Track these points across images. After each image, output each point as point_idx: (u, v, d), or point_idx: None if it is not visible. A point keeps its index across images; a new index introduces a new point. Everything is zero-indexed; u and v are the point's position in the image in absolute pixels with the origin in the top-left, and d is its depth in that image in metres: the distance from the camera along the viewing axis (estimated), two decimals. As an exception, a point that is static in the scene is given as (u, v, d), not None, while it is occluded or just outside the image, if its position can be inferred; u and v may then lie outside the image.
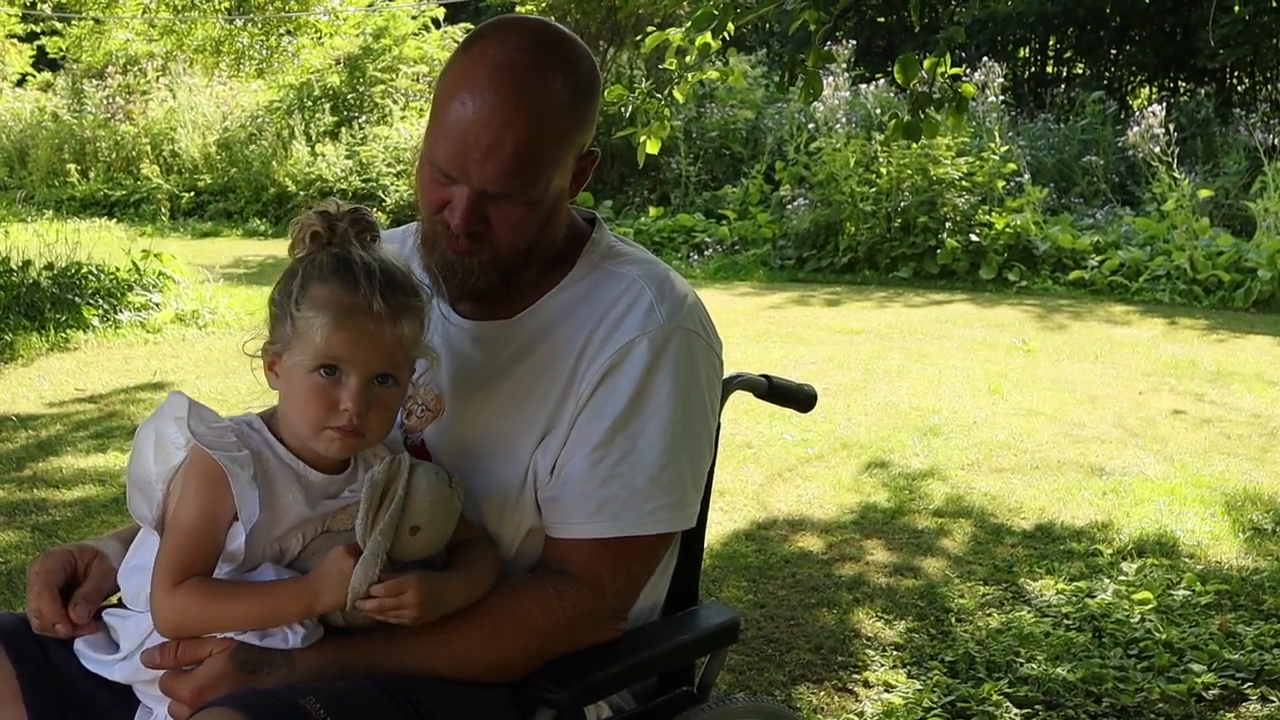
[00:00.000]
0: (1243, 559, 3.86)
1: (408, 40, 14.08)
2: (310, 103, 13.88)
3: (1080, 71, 15.33)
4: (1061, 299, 8.73)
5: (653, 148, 4.53)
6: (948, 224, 9.55)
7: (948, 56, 4.24)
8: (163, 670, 1.46)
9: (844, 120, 10.35)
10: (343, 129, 13.35)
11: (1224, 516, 4.23)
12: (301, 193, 12.45)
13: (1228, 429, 5.35)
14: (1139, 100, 14.43)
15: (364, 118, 13.53)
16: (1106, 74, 15.11)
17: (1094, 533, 4.09)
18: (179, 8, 11.78)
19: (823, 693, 3.00)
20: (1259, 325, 7.78)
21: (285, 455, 1.46)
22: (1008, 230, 9.43)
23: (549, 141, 1.52)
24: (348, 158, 12.87)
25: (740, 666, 3.10)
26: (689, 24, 4.29)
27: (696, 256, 10.39)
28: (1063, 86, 14.50)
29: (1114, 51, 15.10)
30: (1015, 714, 2.88)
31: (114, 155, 14.27)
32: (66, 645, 1.55)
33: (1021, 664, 3.13)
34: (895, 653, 3.20)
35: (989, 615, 3.45)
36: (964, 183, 9.60)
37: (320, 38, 13.68)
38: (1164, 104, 10.53)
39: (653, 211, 11.42)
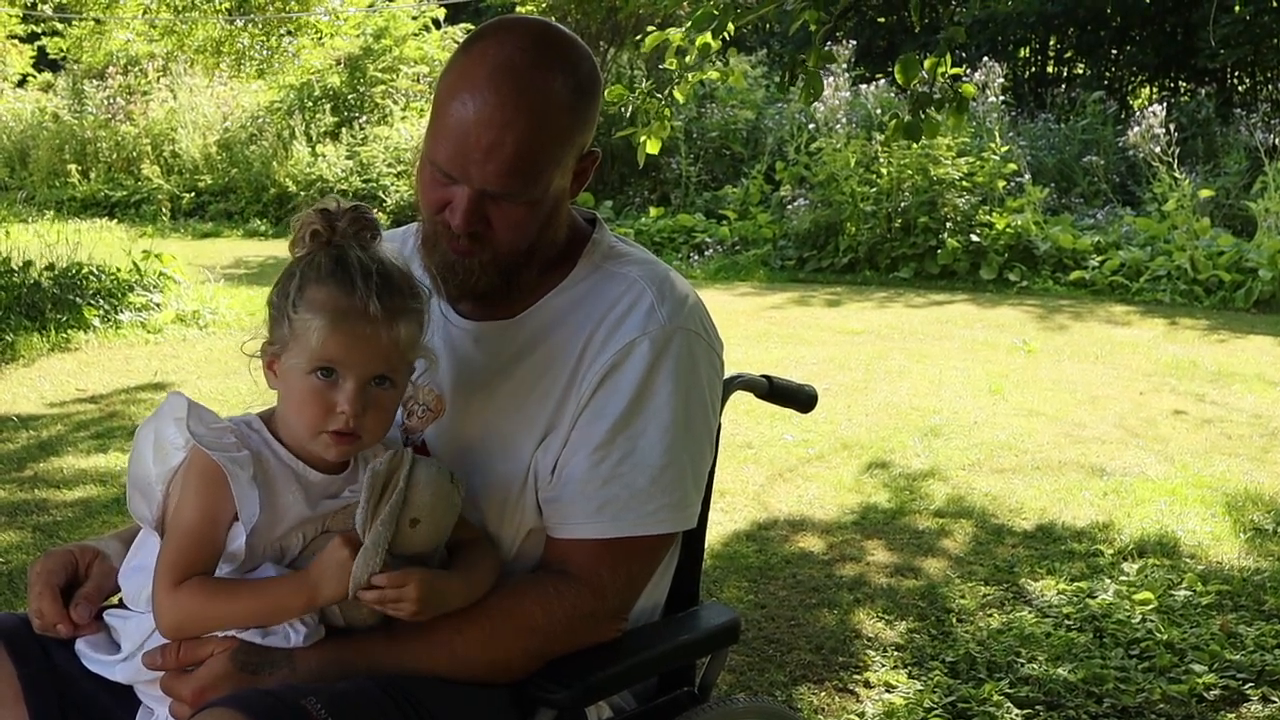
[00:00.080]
0: (1244, 559, 3.86)
1: (408, 41, 14.08)
2: (311, 103, 13.88)
3: (1081, 71, 15.33)
4: (1062, 299, 8.73)
5: (653, 148, 4.53)
6: (948, 224, 9.55)
7: (948, 56, 4.23)
8: (164, 671, 1.46)
9: (844, 120, 10.35)
10: (343, 129, 13.36)
11: (1225, 517, 4.23)
12: (302, 193, 12.45)
13: (1229, 429, 5.35)
14: (1139, 100, 14.43)
15: (364, 118, 13.54)
16: (1107, 74, 15.11)
17: (1095, 533, 4.09)
18: (179, 8, 11.78)
19: (823, 693, 3.00)
20: (1260, 325, 7.77)
21: (285, 455, 1.46)
22: (1008, 230, 9.43)
23: (549, 141, 1.52)
24: (348, 158, 12.87)
25: (741, 667, 3.10)
26: (689, 24, 4.29)
27: (697, 257, 10.39)
28: (1063, 86, 14.50)
29: (1114, 51, 15.10)
30: (1016, 714, 2.88)
31: (115, 156, 14.27)
32: (68, 646, 1.55)
33: (1022, 664, 3.12)
34: (896, 653, 3.20)
35: (990, 616, 3.45)
36: (964, 183, 9.60)
37: (321, 38, 13.68)
38: (1165, 104, 10.52)
39: (653, 212, 11.42)
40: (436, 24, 14.53)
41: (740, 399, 1.95)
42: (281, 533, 1.46)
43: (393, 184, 12.35)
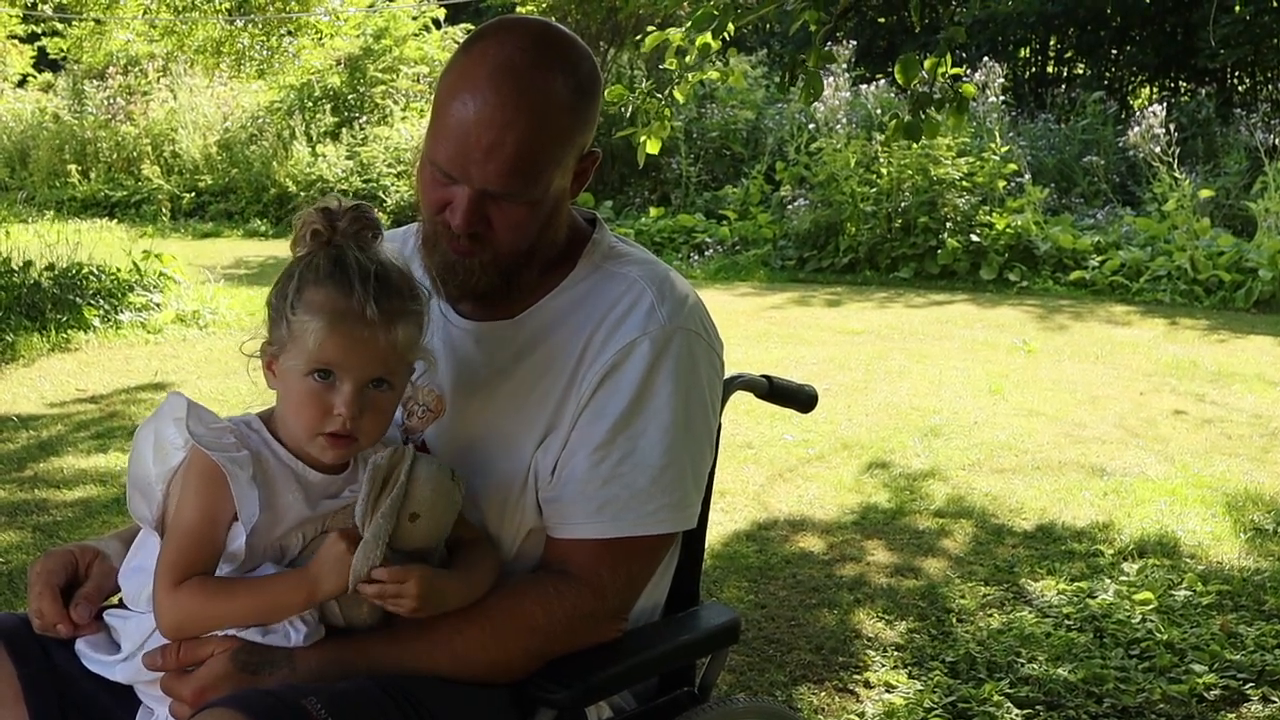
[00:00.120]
0: (1244, 559, 3.86)
1: (408, 41, 14.08)
2: (311, 103, 13.88)
3: (1081, 72, 15.33)
4: (1062, 299, 8.73)
5: (653, 148, 4.53)
6: (948, 224, 9.55)
7: (948, 57, 4.23)
8: (164, 671, 1.46)
9: (844, 120, 10.35)
10: (343, 129, 13.35)
11: (1225, 517, 4.23)
12: (302, 193, 12.45)
13: (1229, 429, 5.35)
14: (1140, 100, 14.43)
15: (365, 118, 13.53)
16: (1107, 74, 15.11)
17: (1095, 533, 4.09)
18: (180, 8, 11.78)
19: (824, 693, 3.00)
20: (1260, 325, 7.77)
21: (285, 455, 1.46)
22: (1008, 230, 9.43)
23: (550, 141, 1.52)
24: (348, 158, 12.87)
25: (741, 667, 3.10)
26: (689, 24, 4.29)
27: (697, 257, 10.39)
28: (1063, 87, 14.50)
29: (1115, 52, 15.10)
30: (1016, 714, 2.88)
31: (115, 156, 14.27)
32: (68, 646, 1.55)
33: (1022, 664, 3.12)
34: (896, 653, 3.20)
35: (990, 616, 3.45)
36: (965, 183, 9.60)
37: (321, 38, 13.67)
38: (1165, 104, 10.52)
39: (653, 212, 11.42)
40: (437, 24, 14.53)
41: (740, 399, 1.95)
42: (281, 533, 1.46)
43: (393, 184, 12.35)
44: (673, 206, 11.73)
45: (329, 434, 1.43)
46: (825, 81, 9.62)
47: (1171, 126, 9.60)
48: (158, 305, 7.41)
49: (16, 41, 17.90)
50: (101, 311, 7.05)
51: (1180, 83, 14.60)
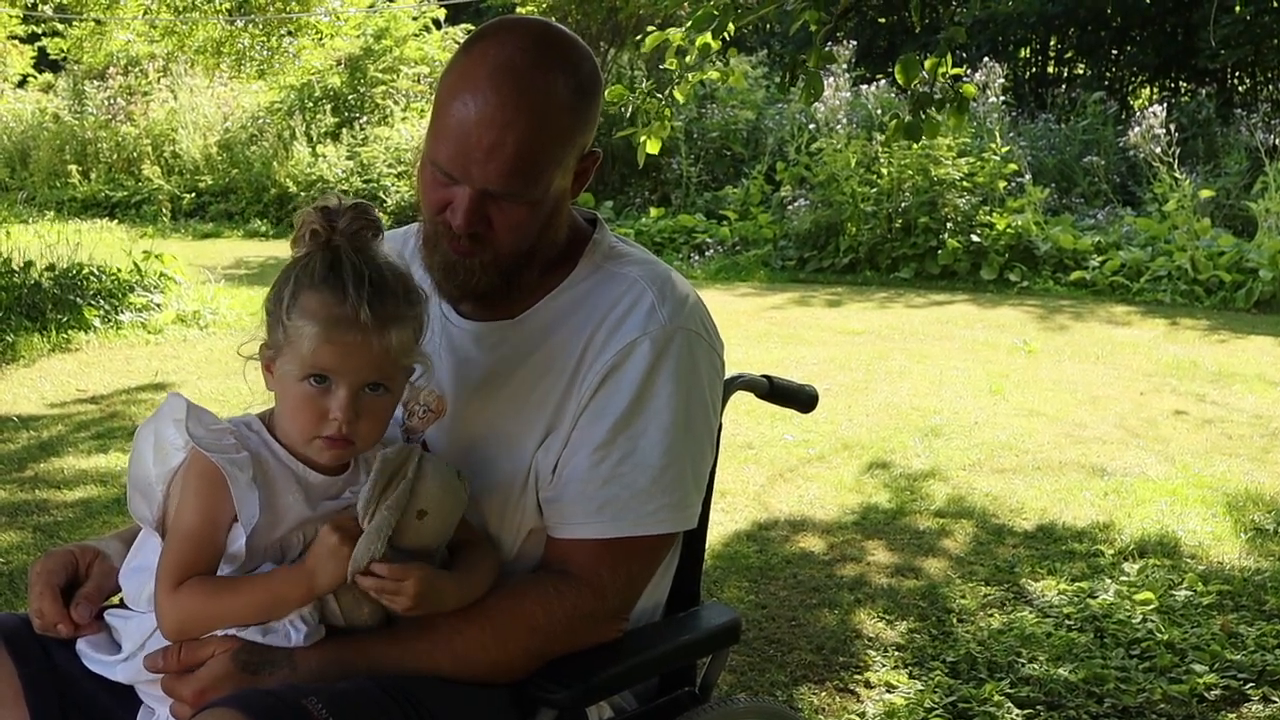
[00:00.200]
0: (1244, 559, 3.86)
1: (409, 41, 14.08)
2: (311, 104, 13.88)
3: (1081, 72, 15.33)
4: (1063, 299, 8.73)
5: (653, 148, 4.53)
6: (949, 224, 9.55)
7: (949, 57, 4.23)
8: (166, 673, 1.46)
9: (845, 121, 10.35)
10: (344, 130, 13.36)
11: (1226, 517, 4.22)
12: (302, 194, 12.46)
13: (1229, 429, 5.35)
14: (1140, 100, 14.43)
15: (365, 119, 13.54)
16: (1107, 74, 15.11)
17: (1095, 533, 4.09)
18: (180, 9, 11.78)
19: (824, 693, 3.00)
20: (1260, 326, 7.77)
21: (285, 456, 1.46)
22: (1009, 231, 9.43)
23: (550, 142, 1.52)
24: (349, 158, 12.87)
25: (742, 667, 3.10)
26: (689, 24, 4.29)
27: (697, 257, 10.39)
28: (1064, 87, 14.50)
29: (1115, 52, 15.10)
30: (1017, 715, 2.88)
31: (115, 156, 14.27)
32: (68, 645, 1.54)
33: (1023, 664, 3.12)
34: (897, 653, 3.20)
35: (990, 616, 3.45)
36: (965, 183, 9.60)
37: (321, 39, 13.67)
38: (1165, 104, 10.52)
39: (654, 212, 11.42)
40: (437, 24, 14.53)
41: (741, 399, 1.95)
42: (282, 534, 1.45)
43: (393, 184, 12.35)
44: (673, 207, 11.73)
45: (326, 437, 1.43)
46: (825, 82, 9.61)
47: (1172, 127, 9.61)
48: (158, 306, 7.41)
49: (17, 42, 17.90)
50: (102, 312, 7.05)
51: (1181, 83, 14.60)
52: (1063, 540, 4.03)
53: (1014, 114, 12.05)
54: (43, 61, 18.12)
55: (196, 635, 1.44)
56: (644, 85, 4.68)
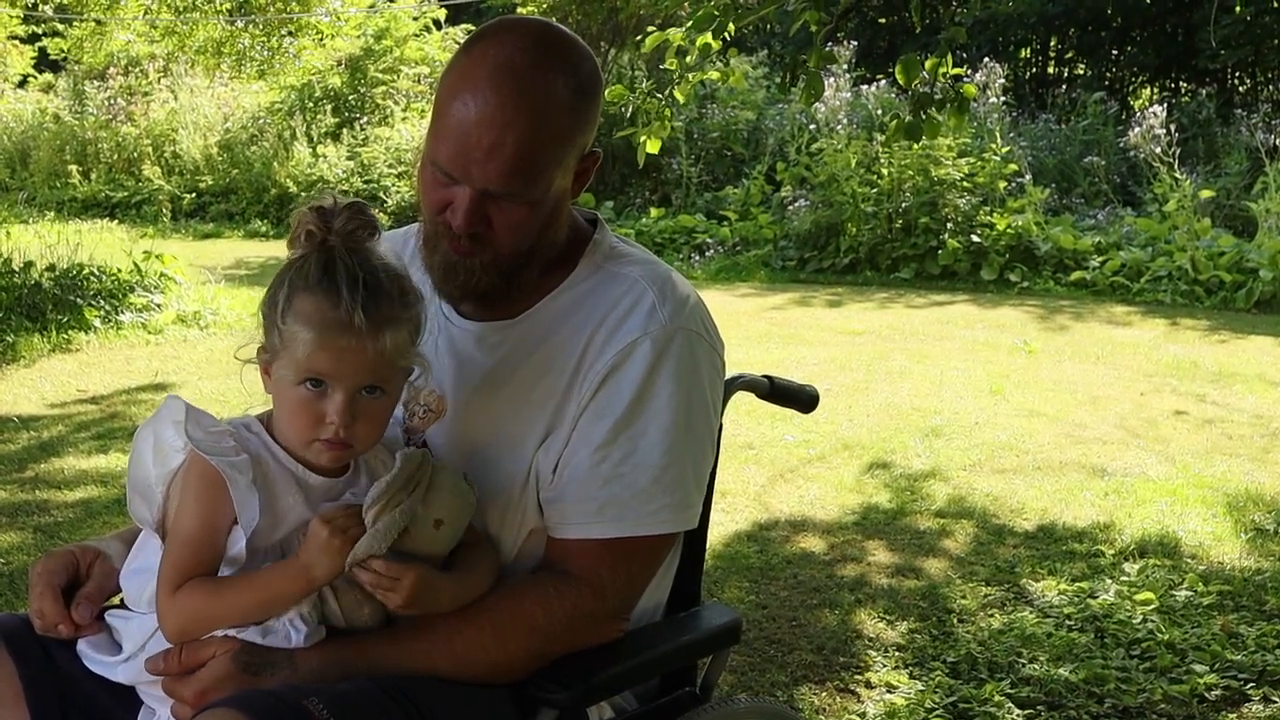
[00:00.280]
0: (1245, 560, 3.86)
1: (409, 41, 14.08)
2: (311, 104, 13.88)
3: (1082, 72, 15.33)
4: (1063, 300, 8.73)
5: (653, 148, 4.53)
6: (949, 225, 9.55)
7: (949, 57, 4.23)
8: (167, 675, 1.46)
9: (845, 121, 10.34)
10: (344, 130, 13.36)
11: (1226, 517, 4.22)
12: (303, 194, 12.46)
13: (1229, 430, 5.35)
14: (1140, 101, 14.43)
15: (365, 119, 13.54)
16: (1108, 74, 15.11)
17: (1096, 533, 4.08)
18: (180, 9, 11.78)
19: (825, 693, 3.00)
20: (1260, 326, 7.77)
21: (284, 458, 1.46)
22: (1009, 231, 9.43)
23: (550, 142, 1.51)
24: (349, 159, 12.87)
25: (742, 667, 3.10)
26: (689, 24, 4.29)
27: (698, 257, 10.39)
28: (1064, 87, 14.50)
29: (1115, 52, 15.10)
30: (1017, 715, 2.88)
31: (115, 156, 14.27)
32: (69, 646, 1.54)
33: (1024, 665, 3.12)
34: (897, 653, 3.20)
35: (991, 616, 3.45)
36: (965, 183, 9.60)
37: (322, 39, 13.68)
38: (1165, 104, 10.52)
39: (654, 212, 11.42)
40: (437, 25, 14.53)
41: (741, 399, 1.95)
42: (282, 535, 1.45)
43: (393, 185, 12.35)
44: (673, 207, 11.73)
45: (324, 440, 1.43)
46: (826, 82, 9.57)
47: (1172, 127, 9.60)
48: (158, 306, 7.41)
49: (17, 42, 17.91)
50: (102, 312, 7.05)
51: (1181, 83, 14.60)
52: (1063, 540, 4.03)
53: (1014, 114, 12.05)
54: (43, 62, 18.13)
55: (198, 636, 1.44)
56: (644, 85, 4.68)
